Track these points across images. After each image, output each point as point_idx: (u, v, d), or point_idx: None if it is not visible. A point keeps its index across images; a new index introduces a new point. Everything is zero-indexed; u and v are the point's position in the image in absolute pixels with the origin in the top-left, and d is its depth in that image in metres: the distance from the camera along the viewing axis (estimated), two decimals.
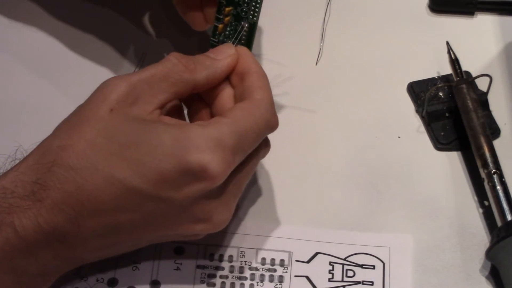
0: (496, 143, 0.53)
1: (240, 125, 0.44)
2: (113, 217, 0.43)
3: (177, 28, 0.59)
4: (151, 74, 0.45)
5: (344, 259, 0.50)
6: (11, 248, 0.41)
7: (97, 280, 0.48)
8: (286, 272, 0.49)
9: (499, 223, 0.49)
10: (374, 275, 0.49)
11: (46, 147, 0.43)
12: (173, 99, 0.46)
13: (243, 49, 0.48)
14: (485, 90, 0.55)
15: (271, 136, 0.51)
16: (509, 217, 0.49)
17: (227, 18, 0.50)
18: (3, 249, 0.41)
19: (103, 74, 0.57)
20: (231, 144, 0.43)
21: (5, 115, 0.56)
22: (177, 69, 0.45)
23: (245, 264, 0.50)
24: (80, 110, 0.44)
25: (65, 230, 0.42)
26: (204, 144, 0.43)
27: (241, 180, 0.46)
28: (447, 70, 0.56)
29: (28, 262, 0.42)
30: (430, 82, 0.57)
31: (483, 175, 0.51)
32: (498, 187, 0.50)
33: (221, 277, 0.49)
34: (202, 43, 0.58)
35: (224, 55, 0.47)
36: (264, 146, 0.48)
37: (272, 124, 0.46)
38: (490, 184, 0.50)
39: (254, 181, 0.53)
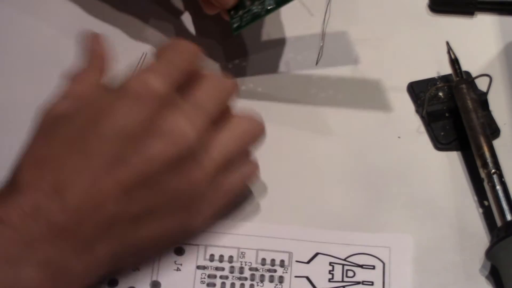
0: (496, 143, 0.53)
1: (165, 56, 0.48)
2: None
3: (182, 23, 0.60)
4: None
5: (344, 260, 0.50)
6: (6, 241, 0.42)
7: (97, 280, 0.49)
8: (286, 272, 0.49)
9: (499, 223, 0.49)
10: (374, 275, 0.49)
11: None
12: None
13: None
14: (485, 90, 0.55)
15: (271, 136, 0.52)
16: (508, 217, 0.49)
17: None
18: (4, 246, 0.42)
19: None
20: (163, 68, 0.46)
21: None
22: None
23: (245, 265, 0.50)
24: None
25: (47, 205, 0.42)
26: (137, 74, 0.46)
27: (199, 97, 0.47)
28: (447, 70, 0.56)
29: (23, 249, 0.42)
30: (430, 82, 0.57)
31: (483, 175, 0.51)
32: (498, 187, 0.50)
33: (221, 277, 0.49)
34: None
35: None
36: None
37: (191, 48, 0.48)
38: (489, 184, 0.50)
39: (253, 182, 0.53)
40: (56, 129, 0.45)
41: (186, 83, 0.47)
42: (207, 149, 0.46)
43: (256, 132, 0.50)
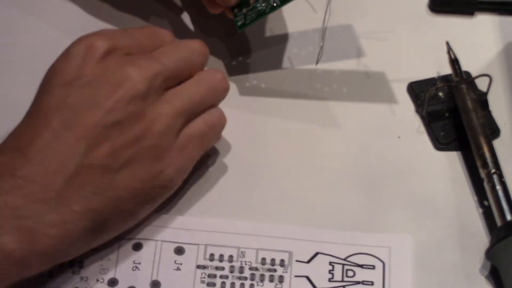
0: (496, 143, 0.53)
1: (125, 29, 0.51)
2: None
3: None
4: None
5: (344, 259, 0.50)
6: None
7: (97, 280, 0.48)
8: (286, 272, 0.49)
9: (498, 223, 0.49)
10: (374, 275, 0.49)
11: None
12: None
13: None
14: (485, 90, 0.55)
15: (271, 137, 0.51)
16: (508, 217, 0.49)
17: None
18: None
19: None
20: (114, 33, 0.49)
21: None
22: None
23: (245, 264, 0.50)
24: None
25: (13, 162, 0.44)
26: (84, 35, 0.49)
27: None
28: (447, 70, 0.56)
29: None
30: (430, 82, 0.57)
31: (482, 175, 0.51)
32: (498, 187, 0.50)
33: (221, 277, 0.49)
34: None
35: None
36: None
37: (161, 33, 0.51)
38: (489, 184, 0.51)
39: (254, 181, 0.53)
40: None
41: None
42: (167, 99, 0.48)
43: (218, 84, 0.50)
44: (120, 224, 0.48)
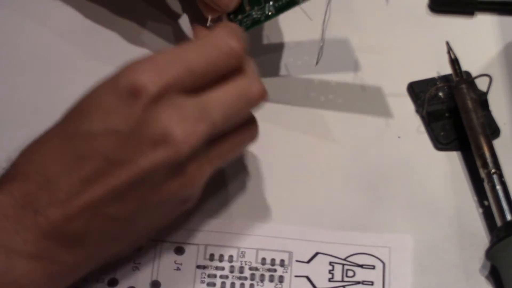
0: (496, 143, 0.53)
1: (182, 49, 0.44)
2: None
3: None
4: None
5: (344, 259, 0.50)
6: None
7: (97, 280, 0.48)
8: (286, 272, 0.49)
9: (498, 223, 0.49)
10: (374, 275, 0.49)
11: None
12: None
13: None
14: (485, 90, 0.55)
15: (272, 136, 0.51)
16: (508, 217, 0.49)
17: None
18: None
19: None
20: (168, 65, 0.43)
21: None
22: None
23: (245, 264, 0.50)
24: None
25: (37, 195, 0.42)
26: (135, 65, 0.43)
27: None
28: (447, 70, 0.56)
29: (13, 238, 0.42)
30: (430, 82, 0.57)
31: (482, 175, 0.51)
32: (498, 187, 0.50)
33: (221, 277, 0.49)
34: None
35: None
36: (248, 123, 0.47)
37: (227, 48, 0.44)
38: (489, 184, 0.51)
39: (253, 181, 0.53)
40: (61, 119, 0.45)
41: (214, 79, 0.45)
42: (210, 159, 0.45)
43: (249, 145, 0.49)
44: (127, 252, 0.48)
